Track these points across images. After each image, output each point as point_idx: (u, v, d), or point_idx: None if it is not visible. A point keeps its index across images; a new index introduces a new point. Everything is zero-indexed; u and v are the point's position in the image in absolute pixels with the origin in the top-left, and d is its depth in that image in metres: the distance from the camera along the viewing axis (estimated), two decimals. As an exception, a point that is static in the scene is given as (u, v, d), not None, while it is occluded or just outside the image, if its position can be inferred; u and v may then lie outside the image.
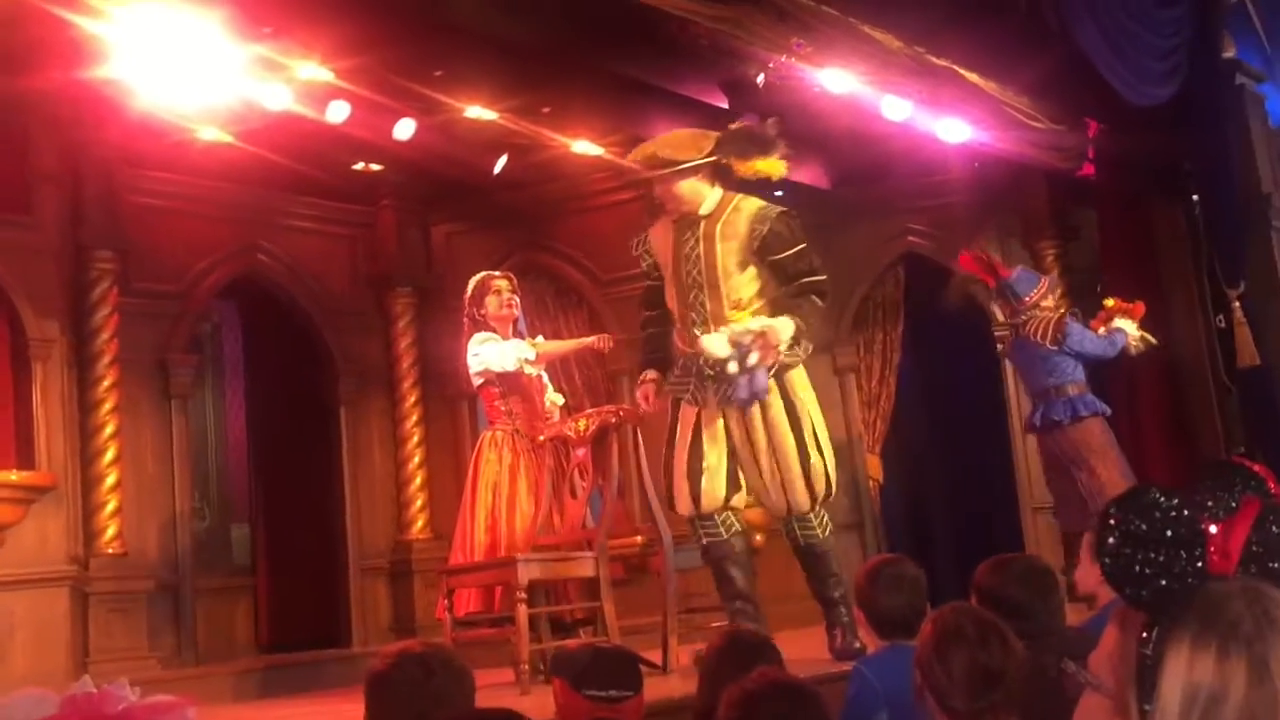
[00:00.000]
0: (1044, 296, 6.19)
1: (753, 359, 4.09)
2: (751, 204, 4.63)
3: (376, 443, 7.34)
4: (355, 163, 7.05)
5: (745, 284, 4.45)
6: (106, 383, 6.03)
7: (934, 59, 5.99)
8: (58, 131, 5.88)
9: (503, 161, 6.92)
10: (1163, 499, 1.12)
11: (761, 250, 4.48)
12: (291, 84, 5.40)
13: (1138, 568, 1.09)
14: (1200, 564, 1.10)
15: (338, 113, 5.74)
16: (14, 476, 5.51)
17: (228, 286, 7.09)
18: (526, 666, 4.38)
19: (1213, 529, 1.12)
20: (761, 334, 4.15)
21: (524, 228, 7.66)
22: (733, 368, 4.08)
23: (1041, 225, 7.94)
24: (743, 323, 4.23)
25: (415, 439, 7.31)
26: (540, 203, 7.62)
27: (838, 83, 5.99)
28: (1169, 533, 1.10)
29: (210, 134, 5.94)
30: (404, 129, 6.23)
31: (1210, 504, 1.18)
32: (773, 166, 4.59)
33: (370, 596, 7.17)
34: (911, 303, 8.20)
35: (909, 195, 8.04)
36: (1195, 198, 7.30)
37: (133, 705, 1.58)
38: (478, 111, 6.12)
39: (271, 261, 7.09)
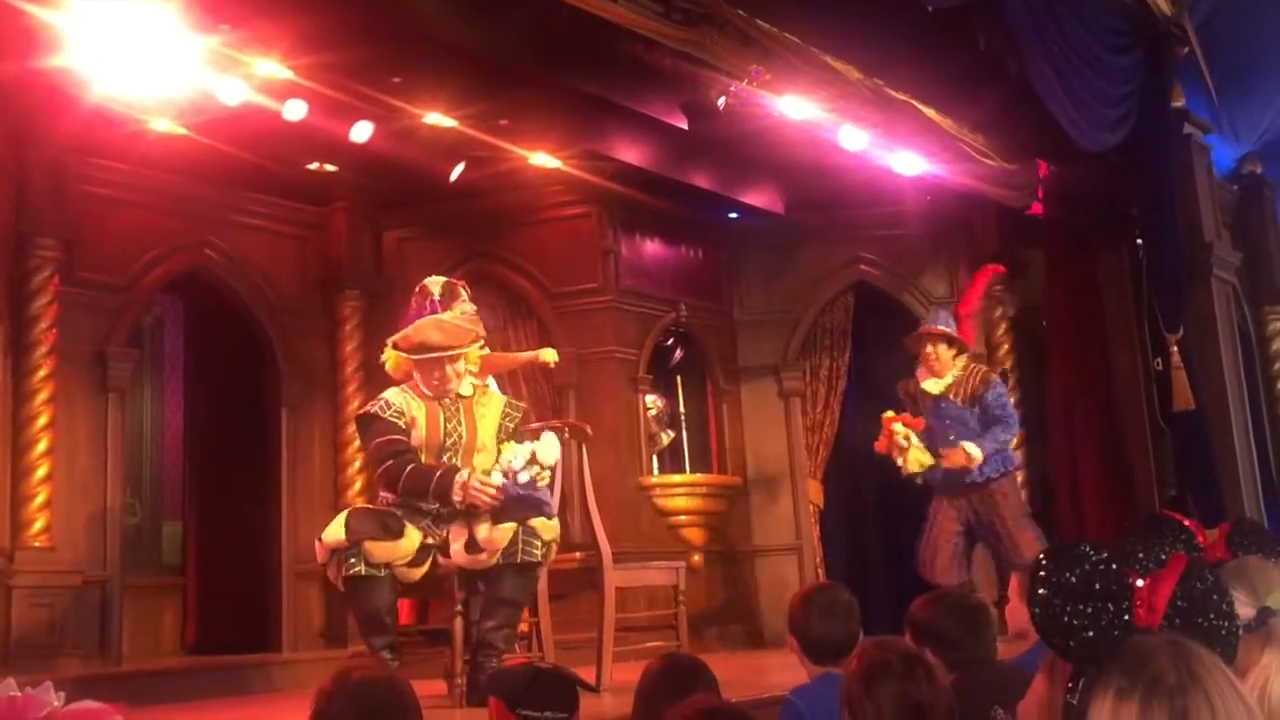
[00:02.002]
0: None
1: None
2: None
3: (317, 447, 7.26)
4: (310, 162, 6.99)
5: None
6: (42, 373, 5.92)
7: (892, 91, 6.07)
8: (6, 117, 5.77)
9: (459, 170, 6.91)
10: (1092, 552, 1.14)
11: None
12: (249, 79, 5.35)
13: (1066, 618, 1.11)
14: (1127, 617, 1.13)
15: (295, 111, 5.70)
16: (-59, 464, 5.39)
17: (173, 281, 6.98)
18: (461, 680, 4.35)
19: (1139, 583, 1.15)
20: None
21: (476, 237, 7.64)
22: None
23: (990, 259, 8.05)
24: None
25: (356, 444, 7.24)
26: (494, 213, 7.60)
27: (796, 110, 6.05)
28: (1097, 585, 1.12)
29: (164, 125, 5.87)
30: (361, 131, 6.19)
31: (1141, 556, 1.21)
32: None
33: (302, 602, 7.08)
34: (859, 331, 8.28)
35: (862, 224, 8.14)
36: (1140, 241, 7.45)
37: (56, 711, 1.55)
38: (436, 118, 6.11)
39: (219, 258, 7.00)
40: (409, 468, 4.36)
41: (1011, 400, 6.35)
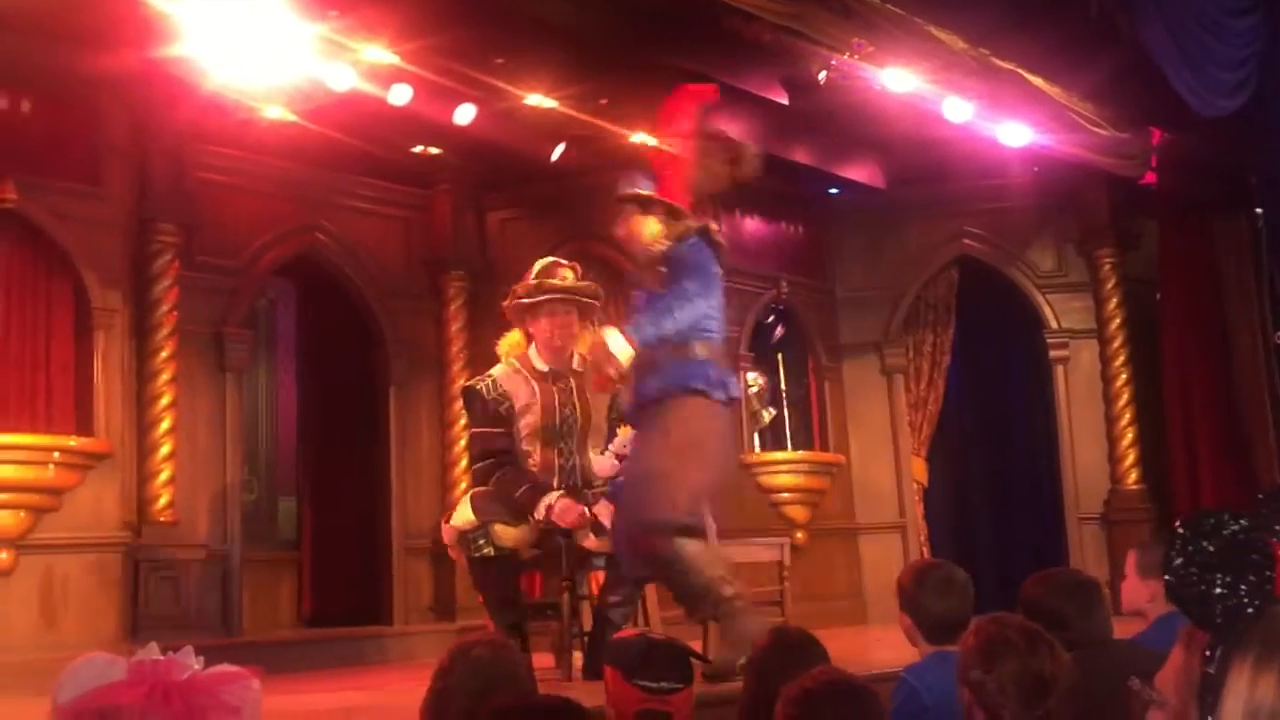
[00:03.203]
0: None
1: None
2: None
3: (424, 424, 7.40)
4: (415, 145, 7.10)
5: None
6: (164, 354, 6.14)
7: (998, 61, 5.95)
8: (128, 107, 5.98)
9: (560, 150, 6.95)
10: (1231, 521, 1.12)
11: None
12: (356, 65, 5.46)
13: (1204, 587, 1.10)
14: (1267, 586, 1.11)
15: (401, 95, 5.79)
16: (73, 442, 5.62)
17: (285, 264, 7.17)
18: (571, 654, 4.42)
19: (1280, 552, 1.12)
20: None
21: (578, 216, 7.68)
22: None
23: (1100, 233, 7.87)
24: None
25: (463, 422, 7.37)
26: (596, 192, 7.60)
27: (899, 82, 5.96)
28: (1237, 554, 1.10)
29: (275, 112, 6.01)
30: (464, 114, 6.27)
31: (1277, 527, 1.18)
32: None
33: (412, 576, 7.25)
34: (964, 306, 8.15)
35: (966, 198, 7.99)
36: (1259, 211, 7.19)
37: (198, 674, 1.62)
38: (537, 99, 6.15)
39: (329, 240, 7.16)
40: (498, 474, 4.44)
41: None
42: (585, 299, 4.61)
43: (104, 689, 1.51)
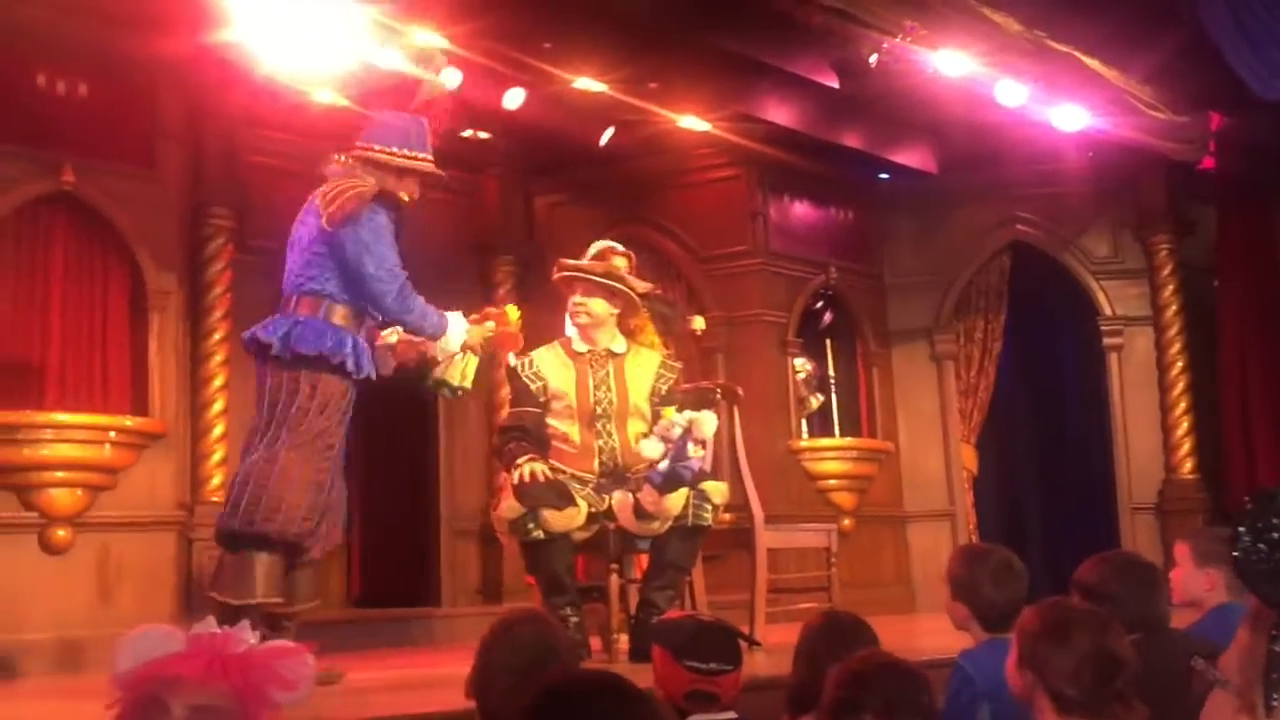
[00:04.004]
0: None
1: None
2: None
3: (472, 408, 7.42)
4: (464, 130, 7.12)
5: None
6: (218, 336, 6.20)
7: (1054, 43, 5.86)
8: (183, 91, 6.04)
9: (609, 134, 6.94)
10: (1302, 499, 1.10)
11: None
12: (406, 48, 5.48)
13: (1272, 565, 1.07)
14: (1338, 567, 1.08)
15: (450, 79, 5.81)
16: (129, 422, 5.71)
17: (335, 247, 7.21)
18: (619, 636, 4.43)
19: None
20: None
21: (626, 201, 7.68)
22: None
23: (1157, 218, 7.75)
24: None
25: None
26: (643, 176, 7.63)
27: (952, 65, 5.89)
28: (1306, 534, 1.08)
29: (327, 96, 6.05)
30: (513, 98, 6.27)
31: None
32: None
33: (460, 558, 7.30)
34: (1016, 292, 8.06)
35: (1019, 182, 7.90)
36: (1322, 196, 7.05)
37: (255, 648, 1.64)
38: (586, 83, 6.14)
39: (378, 225, 7.20)
40: (506, 447, 4.55)
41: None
42: (598, 278, 4.60)
43: (163, 660, 1.53)
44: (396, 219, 4.15)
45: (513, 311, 4.54)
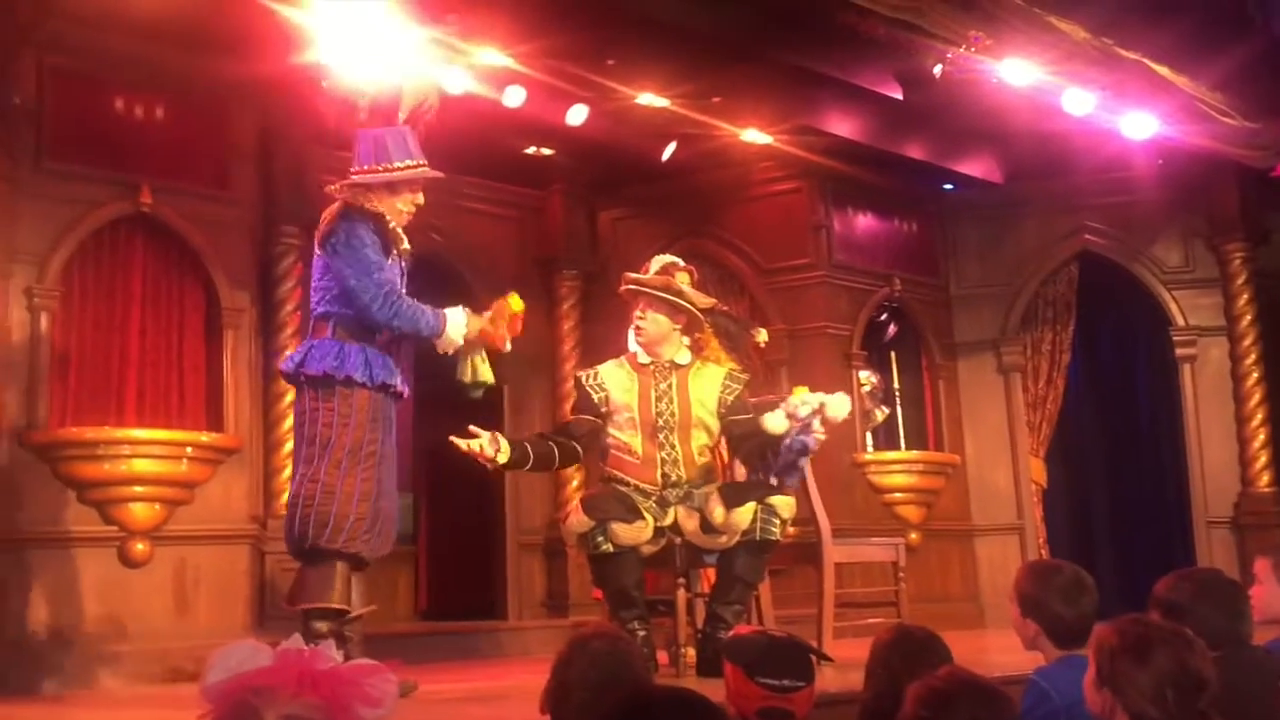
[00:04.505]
0: None
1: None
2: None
3: (538, 421, 7.46)
4: (528, 147, 7.19)
5: None
6: (288, 352, 6.31)
7: (1122, 51, 5.78)
8: (254, 112, 6.18)
9: (671, 149, 6.97)
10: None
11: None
12: (471, 68, 5.55)
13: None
14: None
15: (514, 97, 5.87)
16: (205, 438, 5.82)
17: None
18: (687, 650, 4.43)
19: None
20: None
21: (689, 215, 7.70)
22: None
23: (1229, 226, 7.61)
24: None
25: (575, 419, 7.45)
26: (706, 190, 7.65)
27: (1018, 74, 5.84)
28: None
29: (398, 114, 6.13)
30: (576, 115, 6.32)
31: None
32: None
33: (526, 571, 7.34)
34: (1084, 303, 7.95)
35: (1087, 192, 7.80)
36: (1402, 202, 6.87)
37: (340, 665, 1.67)
38: (649, 98, 6.18)
39: (444, 241, 7.28)
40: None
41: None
42: (656, 292, 4.62)
43: (254, 672, 1.57)
44: (379, 229, 4.18)
45: (515, 301, 4.53)
